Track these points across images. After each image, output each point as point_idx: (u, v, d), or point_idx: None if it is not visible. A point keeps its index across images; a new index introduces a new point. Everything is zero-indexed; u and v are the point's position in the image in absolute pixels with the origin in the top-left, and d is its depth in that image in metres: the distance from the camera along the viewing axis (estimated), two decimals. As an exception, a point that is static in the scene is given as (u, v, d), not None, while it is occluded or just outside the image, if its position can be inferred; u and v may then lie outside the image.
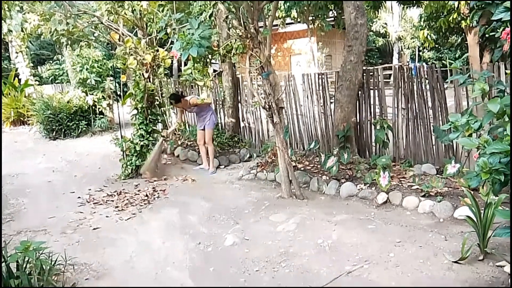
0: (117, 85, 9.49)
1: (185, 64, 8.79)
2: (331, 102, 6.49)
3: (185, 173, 6.61)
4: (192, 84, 8.54)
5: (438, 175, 4.92)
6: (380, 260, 3.36)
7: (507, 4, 2.13)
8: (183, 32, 4.75)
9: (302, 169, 5.86)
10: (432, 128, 5.34)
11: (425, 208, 4.31)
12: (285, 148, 5.13)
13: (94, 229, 4.39)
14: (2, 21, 8.24)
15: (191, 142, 7.86)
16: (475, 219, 3.25)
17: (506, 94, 2.46)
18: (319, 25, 14.18)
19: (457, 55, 15.58)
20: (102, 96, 10.39)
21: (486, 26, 2.34)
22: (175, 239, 4.08)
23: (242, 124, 8.07)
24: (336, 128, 5.94)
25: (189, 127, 8.56)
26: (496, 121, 2.36)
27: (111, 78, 10.37)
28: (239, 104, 8.05)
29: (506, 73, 2.84)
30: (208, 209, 4.88)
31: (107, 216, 4.75)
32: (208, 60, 5.55)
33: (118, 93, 8.98)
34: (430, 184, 4.51)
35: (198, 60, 5.34)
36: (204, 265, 3.52)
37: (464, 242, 3.21)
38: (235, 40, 5.16)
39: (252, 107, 7.66)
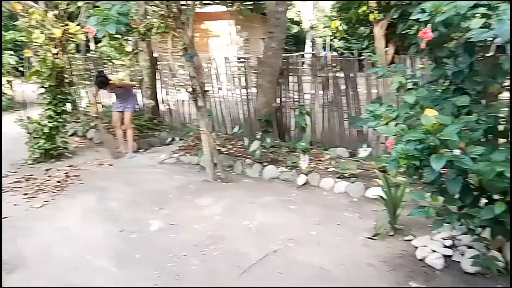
0: (18, 60, 8.52)
1: (96, 42, 8.18)
2: (253, 87, 6.60)
3: (100, 157, 6.25)
4: (104, 62, 8.00)
5: (351, 158, 5.34)
6: (303, 239, 3.57)
7: (423, 6, 2.37)
8: (99, 6, 4.43)
9: (226, 152, 5.91)
10: (346, 114, 5.74)
11: (341, 189, 4.66)
12: (210, 131, 5.12)
13: (3, 218, 3.96)
14: None
15: (106, 124, 7.41)
16: (386, 198, 3.61)
17: (418, 86, 2.76)
18: (238, 8, 14.16)
19: (364, 46, 16.74)
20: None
21: (405, 24, 2.58)
22: (95, 226, 3.87)
23: (162, 106, 7.82)
24: (258, 113, 6.07)
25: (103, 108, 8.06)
26: (411, 111, 2.64)
27: (11, 52, 9.25)
28: (160, 85, 7.78)
29: (419, 67, 3.21)
30: (130, 194, 4.70)
31: (15, 205, 4.32)
32: (126, 37, 5.26)
33: (20, 69, 8.08)
34: (345, 167, 4.88)
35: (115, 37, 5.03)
36: (129, 252, 3.40)
37: (377, 220, 3.57)
38: (156, 18, 4.95)
39: (175, 89, 7.46)
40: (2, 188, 4.75)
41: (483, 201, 2.55)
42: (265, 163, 5.38)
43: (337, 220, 3.92)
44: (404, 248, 3.31)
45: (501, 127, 2.65)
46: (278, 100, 6.27)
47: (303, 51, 23.59)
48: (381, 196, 3.67)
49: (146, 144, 6.86)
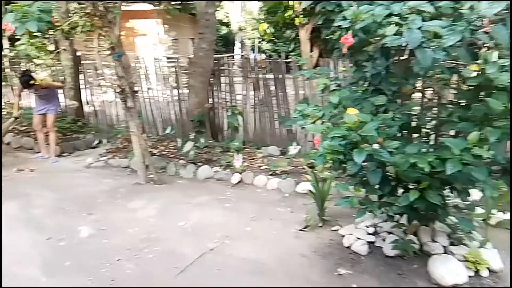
0: None
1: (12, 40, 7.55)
2: (184, 87, 6.57)
3: (20, 162, 5.80)
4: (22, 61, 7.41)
5: (282, 156, 5.56)
6: (239, 235, 3.66)
7: (345, 13, 2.58)
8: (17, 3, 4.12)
9: (158, 154, 5.82)
10: (276, 114, 5.95)
11: (273, 185, 4.84)
12: (140, 133, 5.02)
13: None
14: None
15: (25, 127, 6.90)
16: (315, 192, 3.84)
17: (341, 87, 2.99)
18: (166, 8, 13.91)
19: (290, 48, 17.34)
20: None
21: (328, 30, 2.78)
22: (19, 236, 3.62)
23: (87, 108, 7.45)
24: (191, 113, 6.06)
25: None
26: (335, 111, 2.85)
27: None
28: (84, 85, 7.40)
29: (341, 70, 3.47)
30: (55, 200, 4.45)
31: None
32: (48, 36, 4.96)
33: None
34: (277, 164, 5.08)
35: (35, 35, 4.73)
36: (58, 260, 3.24)
37: (307, 213, 3.78)
38: (81, 17, 4.75)
39: (100, 89, 7.15)
40: None
41: (400, 190, 2.83)
42: (199, 164, 5.40)
43: (270, 215, 4.07)
44: (332, 238, 3.54)
45: (413, 124, 2.97)
46: (210, 100, 6.32)
47: (233, 52, 23.79)
48: (310, 190, 3.89)
49: (70, 147, 6.50)
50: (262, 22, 15.62)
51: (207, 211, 4.18)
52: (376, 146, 2.47)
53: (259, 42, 25.11)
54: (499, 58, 2.20)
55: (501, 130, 2.25)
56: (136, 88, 5.13)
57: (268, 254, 3.30)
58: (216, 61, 6.29)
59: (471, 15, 2.11)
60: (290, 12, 12.11)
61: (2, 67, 7.69)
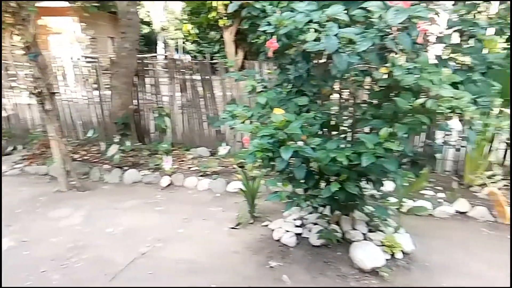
0: None
1: None
2: (106, 88, 6.32)
3: None
4: None
5: (212, 157, 5.62)
6: (172, 237, 3.66)
7: (269, 19, 2.72)
8: None
9: (80, 159, 5.54)
10: (205, 115, 5.99)
11: (204, 186, 4.88)
12: (60, 137, 4.75)
13: None
14: None
15: None
16: (245, 190, 3.97)
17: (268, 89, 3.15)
18: (83, 5, 13.18)
19: (215, 50, 17.42)
20: None
21: (254, 34, 2.91)
22: None
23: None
24: (114, 116, 5.86)
25: None
26: (263, 111, 2.98)
27: None
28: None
29: (267, 72, 3.61)
30: (-37, 214, 4.05)
31: None
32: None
33: None
34: (207, 165, 5.13)
35: None
36: (-28, 279, 2.98)
37: (239, 211, 3.90)
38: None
39: (13, 91, 6.58)
40: None
41: (323, 183, 3.06)
42: (126, 168, 5.25)
43: (202, 216, 4.11)
44: (263, 233, 3.70)
45: (332, 122, 3.22)
46: (135, 102, 6.15)
47: (155, 52, 23.22)
48: (241, 189, 4.01)
49: (-22, 155, 5.92)
50: (185, 23, 15.49)
51: (137, 216, 4.10)
52: (300, 143, 2.64)
53: (183, 43, 24.82)
54: (404, 61, 2.50)
55: (408, 126, 2.54)
56: (54, 90, 4.83)
57: (202, 254, 3.35)
58: (140, 61, 6.15)
59: (380, 24, 2.37)
60: (214, 14, 12.24)
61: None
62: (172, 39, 25.79)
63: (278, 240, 3.49)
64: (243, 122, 3.08)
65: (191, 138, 6.17)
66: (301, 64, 3.01)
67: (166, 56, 17.17)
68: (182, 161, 5.51)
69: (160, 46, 25.54)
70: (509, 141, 4.87)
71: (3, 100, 6.80)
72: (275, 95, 3.03)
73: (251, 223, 3.89)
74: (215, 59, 14.37)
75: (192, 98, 6.07)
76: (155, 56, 13.79)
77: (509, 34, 2.78)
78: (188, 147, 5.97)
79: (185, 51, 25.37)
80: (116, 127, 5.71)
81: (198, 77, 5.97)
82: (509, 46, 2.83)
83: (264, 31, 2.67)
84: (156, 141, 6.06)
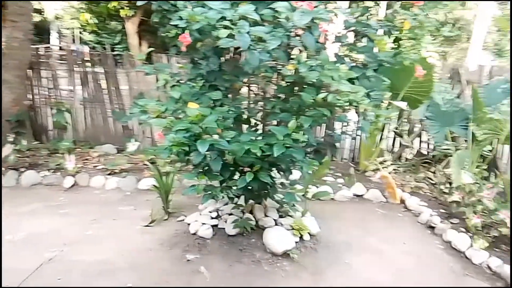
0: None
1: None
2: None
3: None
4: None
5: (119, 154, 5.41)
6: (80, 240, 3.47)
7: (181, 14, 2.73)
8: None
9: (-36, 162, 4.90)
10: (110, 111, 5.72)
11: (113, 185, 4.69)
12: None
13: None
14: None
15: None
16: (159, 186, 3.92)
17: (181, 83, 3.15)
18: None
19: (116, 41, 16.54)
20: None
21: (165, 28, 2.88)
22: None
23: None
24: (6, 112, 5.29)
25: None
26: (176, 105, 2.98)
27: None
28: None
29: (179, 67, 3.58)
30: None
31: None
32: None
33: None
34: (114, 163, 4.93)
35: None
36: None
37: (152, 208, 3.84)
38: None
39: None
40: None
41: (237, 174, 3.17)
42: (23, 169, 4.79)
43: (113, 216, 3.96)
44: (178, 228, 3.70)
45: (245, 116, 3.36)
46: (30, 97, 5.63)
47: (49, 42, 21.22)
48: (154, 185, 3.95)
49: None
50: (83, 12, 14.44)
51: (39, 220, 3.80)
52: (216, 136, 2.72)
53: (80, 33, 23.10)
54: (308, 59, 2.72)
55: (312, 118, 2.78)
56: None
57: (114, 254, 3.25)
58: (35, 53, 5.64)
59: (287, 24, 2.55)
60: (114, 3, 11.62)
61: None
62: (67, 28, 23.81)
63: (194, 234, 3.53)
64: (156, 117, 3.05)
65: (95, 134, 5.85)
66: (213, 59, 3.08)
67: (61, 47, 15.84)
68: (87, 159, 5.21)
69: (54, 36, 23.39)
70: (397, 130, 5.54)
71: None
72: (189, 90, 3.06)
73: (166, 220, 3.87)
74: (116, 50, 13.65)
75: (95, 92, 5.75)
76: (49, 47, 12.67)
77: (396, 35, 3.19)
78: (92, 144, 5.66)
79: (83, 42, 23.64)
80: (9, 125, 5.16)
81: (101, 70, 5.67)
82: (396, 46, 3.25)
83: (176, 26, 2.67)
84: (55, 139, 5.62)
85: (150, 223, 3.78)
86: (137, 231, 3.66)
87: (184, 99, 2.94)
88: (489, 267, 3.27)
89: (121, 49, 13.82)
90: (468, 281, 3.14)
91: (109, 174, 4.82)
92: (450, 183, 4.52)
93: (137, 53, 10.97)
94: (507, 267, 3.14)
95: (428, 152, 5.54)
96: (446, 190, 4.54)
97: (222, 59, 3.16)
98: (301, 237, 3.47)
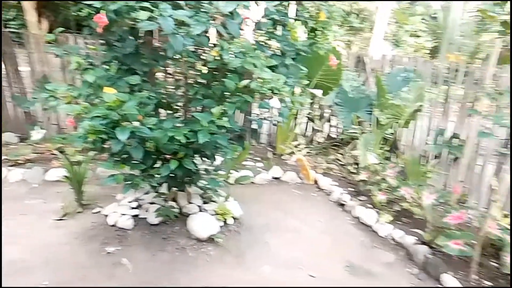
0: None
1: None
2: None
3: None
4: None
5: (23, 143, 4.91)
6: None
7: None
8: None
9: None
10: (9, 95, 5.15)
11: (17, 177, 4.25)
12: None
13: None
14: None
15: None
16: (70, 177, 3.65)
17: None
18: None
19: (9, 17, 14.77)
20: None
21: (81, 8, 2.65)
22: None
23: None
24: None
25: None
26: (90, 90, 2.79)
27: None
28: None
29: (90, 48, 3.30)
30: None
31: None
32: None
33: None
34: (18, 153, 4.47)
35: None
36: None
37: (64, 200, 3.58)
38: None
39: None
40: None
41: (160, 162, 3.10)
42: None
43: (19, 211, 3.60)
44: (94, 220, 3.50)
45: (165, 101, 3.27)
46: None
47: None
48: (65, 176, 3.67)
49: None
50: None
51: None
52: (136, 123, 2.61)
53: (-37, 6, 20.17)
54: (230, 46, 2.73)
55: (235, 105, 2.82)
56: None
57: (26, 252, 2.99)
58: None
59: (211, 10, 2.52)
60: (6, -25, 10.32)
61: None
62: None
63: (113, 225, 3.38)
64: (68, 103, 2.84)
65: (-9, 122, 5.22)
66: (129, 41, 2.93)
67: None
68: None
69: None
70: (310, 116, 5.84)
71: None
72: (104, 73, 2.88)
73: (80, 212, 3.63)
74: (9, 27, 12.24)
75: (-11, 75, 5.11)
76: None
77: (311, 27, 3.34)
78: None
79: (-34, 16, 20.67)
80: None
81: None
82: (312, 36, 3.41)
83: (89, 5, 2.49)
84: None
85: (63, 216, 3.53)
86: (49, 226, 3.39)
87: (99, 83, 2.77)
88: (393, 239, 3.66)
89: (16, 26, 12.41)
90: (376, 252, 3.49)
91: (12, 166, 4.37)
92: (357, 164, 4.93)
93: (36, 31, 9.96)
94: (409, 237, 3.54)
95: (337, 136, 5.94)
96: (354, 170, 4.95)
97: (139, 41, 3.01)
98: (225, 222, 3.53)
